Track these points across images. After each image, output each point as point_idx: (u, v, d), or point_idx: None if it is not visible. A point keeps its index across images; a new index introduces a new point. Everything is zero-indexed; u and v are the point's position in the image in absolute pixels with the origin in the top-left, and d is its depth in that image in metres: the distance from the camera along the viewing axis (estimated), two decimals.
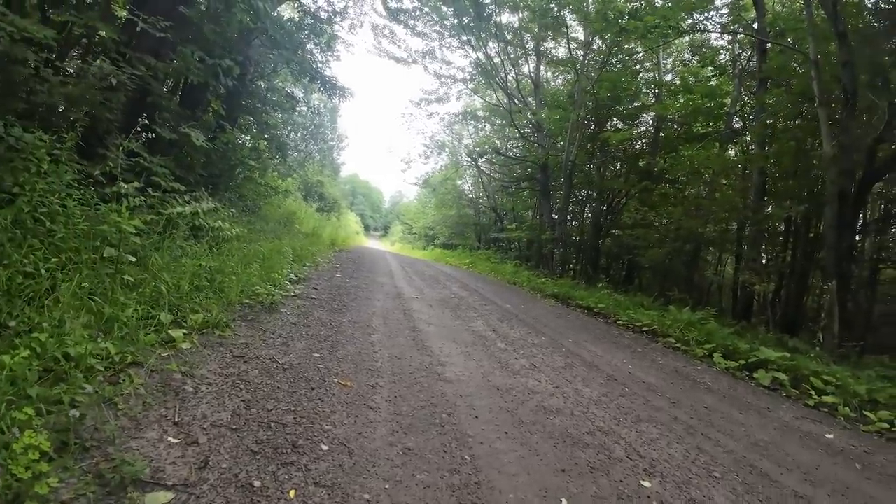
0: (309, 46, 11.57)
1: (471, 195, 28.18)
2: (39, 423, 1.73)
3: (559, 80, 19.96)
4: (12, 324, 2.29)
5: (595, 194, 16.78)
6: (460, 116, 23.32)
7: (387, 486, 1.90)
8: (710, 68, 13.73)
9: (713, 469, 2.72)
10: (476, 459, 2.25)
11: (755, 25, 11.44)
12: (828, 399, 4.63)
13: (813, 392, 4.80)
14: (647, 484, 2.36)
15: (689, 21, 12.39)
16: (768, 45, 10.69)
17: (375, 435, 2.30)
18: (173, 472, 1.76)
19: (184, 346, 2.85)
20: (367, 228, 53.65)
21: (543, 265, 15.77)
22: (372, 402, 2.68)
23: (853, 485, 2.77)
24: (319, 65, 11.87)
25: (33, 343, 2.15)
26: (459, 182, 28.30)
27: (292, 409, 2.39)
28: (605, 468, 2.44)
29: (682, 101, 14.01)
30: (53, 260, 2.88)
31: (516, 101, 17.64)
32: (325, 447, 2.09)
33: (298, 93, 15.33)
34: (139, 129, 4.16)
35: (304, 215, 14.50)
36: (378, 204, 77.16)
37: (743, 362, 5.67)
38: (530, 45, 17.95)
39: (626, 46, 14.27)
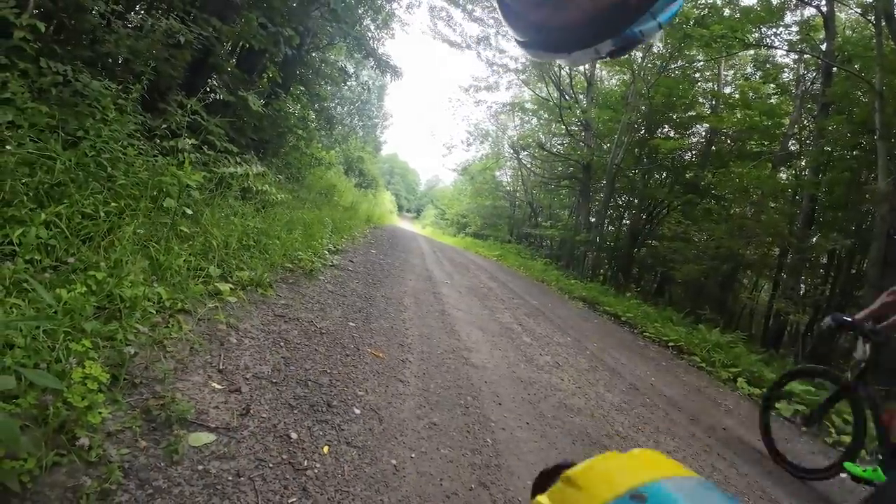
0: (366, 22, 11.66)
1: (508, 187, 28.05)
2: (95, 357, 1.81)
3: (613, 81, 19.56)
4: (71, 260, 2.40)
5: (636, 201, 16.49)
6: (508, 107, 23.08)
7: (412, 455, 2.00)
8: (771, 86, 13.26)
9: (726, 489, 2.74)
10: (497, 444, 2.33)
11: (823, 47, 10.96)
12: (847, 439, 4.57)
13: (833, 430, 4.74)
14: None
15: (756, 34, 11.96)
16: (834, 69, 10.26)
17: (404, 406, 2.40)
18: (216, 416, 1.87)
19: (230, 299, 3.00)
20: (400, 209, 54.03)
21: (574, 267, 15.66)
22: (401, 376, 2.78)
23: None
24: (374, 41, 11.97)
25: (89, 280, 2.26)
26: (498, 173, 28.17)
27: (328, 371, 2.50)
28: None
29: (738, 116, 13.57)
30: (112, 204, 3.00)
31: (567, 97, 17.40)
32: (357, 411, 2.20)
33: (350, 67, 15.49)
34: (207, 89, 4.30)
35: (344, 189, 14.71)
36: (413, 186, 77.49)
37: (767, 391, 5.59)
38: None
39: (686, 53, 13.86)
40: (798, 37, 12.12)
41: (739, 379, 5.89)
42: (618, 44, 0.50)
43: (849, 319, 3.21)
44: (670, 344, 7.26)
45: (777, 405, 5.24)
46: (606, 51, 0.50)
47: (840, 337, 11.08)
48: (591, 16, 0.48)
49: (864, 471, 3.01)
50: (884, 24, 7.97)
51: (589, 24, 0.48)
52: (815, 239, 10.57)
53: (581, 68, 18.25)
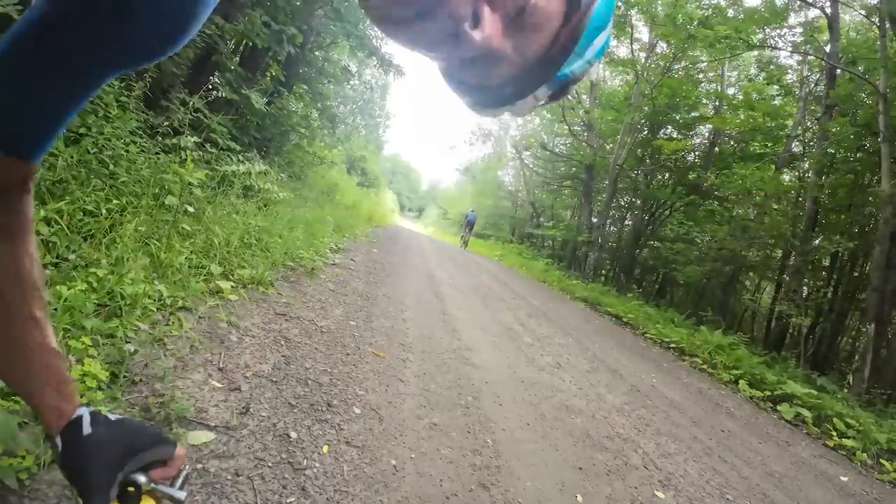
0: (369, 21, 11.64)
1: (510, 187, 28.07)
2: (95, 354, 1.81)
3: (617, 81, 19.53)
4: (71, 257, 2.38)
5: (639, 202, 16.48)
6: None
7: (413, 456, 1.99)
8: (775, 87, 13.23)
9: (726, 491, 2.73)
10: (498, 444, 2.32)
11: (827, 49, 10.93)
12: (847, 442, 4.58)
13: (834, 433, 4.75)
14: (661, 495, 2.39)
15: (760, 36, 11.93)
16: (838, 71, 10.22)
17: (404, 406, 2.40)
18: (216, 415, 1.86)
19: (231, 297, 2.99)
20: (402, 208, 54.02)
21: (576, 267, 15.65)
22: (402, 375, 2.77)
23: None
24: (377, 40, 11.95)
25: (90, 277, 2.25)
26: (500, 173, 28.17)
27: (328, 370, 2.50)
28: (621, 473, 2.48)
29: (742, 117, 13.54)
30: (114, 202, 2.99)
31: (570, 97, 17.37)
32: (357, 410, 2.19)
33: (353, 66, 15.47)
34: (210, 87, 4.30)
35: (346, 188, 14.71)
36: (415, 185, 77.49)
37: (768, 393, 5.60)
38: None
39: (690, 54, 13.84)
40: (802, 38, 12.11)
41: (741, 381, 5.88)
42: (553, 87, 0.53)
43: None
44: (672, 345, 7.24)
45: (779, 407, 5.24)
46: (545, 96, 0.53)
47: (840, 340, 11.06)
48: (521, 69, 0.51)
49: None
50: (888, 25, 7.95)
51: (521, 77, 0.52)
52: (817, 241, 10.54)
53: None
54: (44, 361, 0.66)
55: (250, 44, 7.04)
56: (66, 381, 0.69)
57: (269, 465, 1.64)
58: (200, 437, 1.71)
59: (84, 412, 0.69)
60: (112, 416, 0.73)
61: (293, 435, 1.87)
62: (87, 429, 0.69)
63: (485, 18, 0.47)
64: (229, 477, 1.51)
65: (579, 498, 2.11)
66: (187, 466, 0.76)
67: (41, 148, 0.61)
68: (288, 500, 1.50)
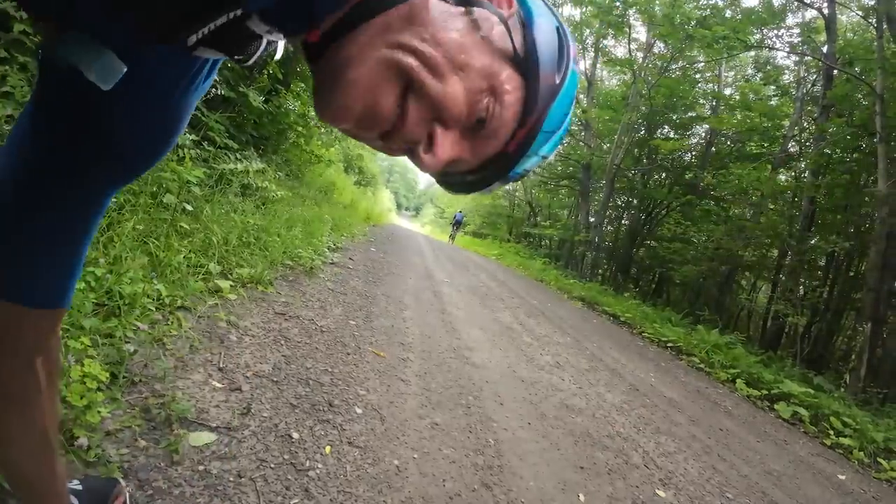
0: None
1: (508, 186, 28.04)
2: (94, 354, 1.77)
3: (614, 81, 19.57)
4: None
5: (635, 201, 16.52)
6: None
7: (415, 456, 1.98)
8: (772, 87, 13.27)
9: (726, 490, 2.74)
10: (499, 444, 2.32)
11: (824, 49, 10.98)
12: (844, 441, 4.61)
13: (831, 432, 4.77)
14: (662, 494, 2.39)
15: (758, 36, 11.97)
16: (835, 71, 10.26)
17: (406, 406, 2.39)
18: (217, 415, 1.84)
19: (230, 296, 2.97)
20: (399, 207, 54.03)
21: (573, 266, 15.67)
22: (403, 375, 2.76)
23: None
24: None
25: (88, 276, 2.23)
26: None
27: (329, 370, 2.48)
28: (622, 472, 2.48)
29: (739, 117, 13.58)
30: (112, 200, 2.97)
31: None
32: (359, 410, 2.18)
33: None
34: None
35: (344, 186, 14.66)
36: (412, 184, 77.46)
37: (765, 392, 5.62)
38: (589, 40, 17.61)
39: (688, 54, 13.87)
40: (799, 39, 12.15)
41: (739, 380, 5.90)
42: (506, 182, 0.60)
43: None
44: (669, 344, 7.26)
45: (776, 406, 5.27)
46: (498, 187, 0.60)
47: (836, 339, 11.12)
48: (478, 168, 0.56)
49: None
50: (885, 26, 7.98)
51: (479, 173, 0.57)
52: (814, 241, 10.59)
53: (581, 67, 18.22)
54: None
55: None
56: (63, 488, 0.78)
57: (272, 466, 1.63)
58: (202, 437, 1.69)
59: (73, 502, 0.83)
60: (77, 485, 0.93)
61: (295, 435, 1.86)
62: None
63: (437, 139, 0.51)
64: (231, 478, 1.49)
65: (581, 497, 2.10)
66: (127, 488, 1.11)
67: (67, 293, 0.64)
68: (291, 502, 1.49)
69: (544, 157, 0.57)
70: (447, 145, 0.51)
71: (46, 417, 0.65)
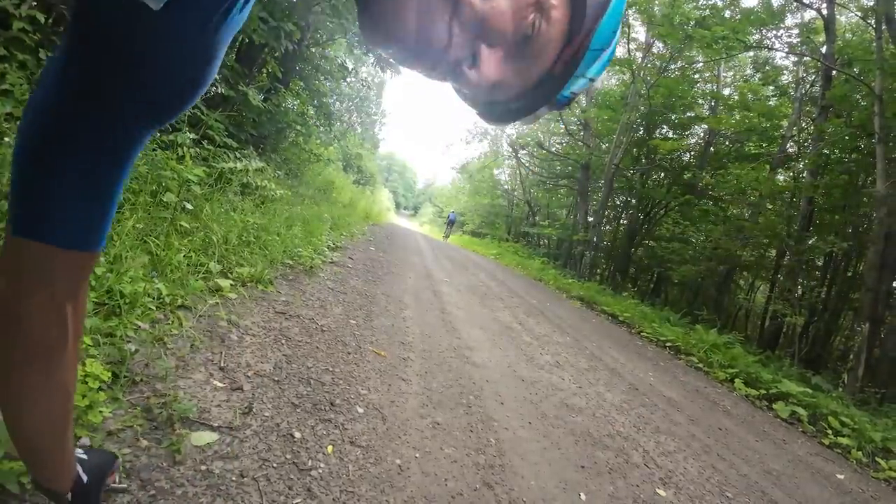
0: None
1: (506, 186, 28.10)
2: (95, 354, 1.78)
3: (613, 80, 19.56)
4: None
5: (634, 201, 16.52)
6: None
7: (417, 455, 1.98)
8: (771, 88, 13.29)
9: (726, 489, 2.74)
10: (501, 443, 2.32)
11: (823, 50, 10.99)
12: (843, 440, 4.62)
13: (830, 432, 4.79)
14: (662, 493, 2.40)
15: (757, 36, 11.98)
16: (834, 72, 10.28)
17: (407, 405, 2.39)
18: (218, 415, 1.84)
19: (231, 295, 2.97)
20: (398, 206, 54.00)
21: (571, 266, 15.68)
22: (404, 374, 2.76)
23: None
24: None
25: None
26: (496, 172, 28.19)
27: (330, 369, 2.48)
28: (622, 471, 2.48)
29: (737, 117, 13.59)
30: None
31: None
32: (360, 409, 2.18)
33: (350, 63, 15.39)
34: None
35: (343, 186, 14.65)
36: (411, 184, 77.42)
37: (764, 392, 5.63)
38: None
39: (687, 54, 13.88)
40: (798, 39, 12.16)
41: (737, 380, 5.91)
42: (554, 107, 0.56)
43: None
44: (668, 344, 7.27)
45: (774, 405, 5.28)
46: (545, 113, 0.57)
47: (834, 338, 11.16)
48: (524, 91, 0.54)
49: None
50: (884, 27, 8.00)
51: (525, 97, 0.54)
52: (812, 241, 10.62)
53: None
54: (65, 455, 0.73)
55: (247, 40, 6.97)
56: (72, 453, 0.78)
57: (274, 465, 1.63)
58: (204, 437, 1.69)
59: (77, 469, 0.81)
60: (82, 454, 0.89)
61: (297, 435, 1.86)
62: (84, 476, 0.82)
63: (482, 58, 0.49)
64: (234, 478, 1.49)
65: (582, 496, 2.11)
66: (117, 461, 1.09)
67: (100, 235, 0.59)
68: (294, 502, 1.49)
69: (591, 80, 0.54)
70: (492, 63, 0.49)
71: (68, 374, 0.61)
